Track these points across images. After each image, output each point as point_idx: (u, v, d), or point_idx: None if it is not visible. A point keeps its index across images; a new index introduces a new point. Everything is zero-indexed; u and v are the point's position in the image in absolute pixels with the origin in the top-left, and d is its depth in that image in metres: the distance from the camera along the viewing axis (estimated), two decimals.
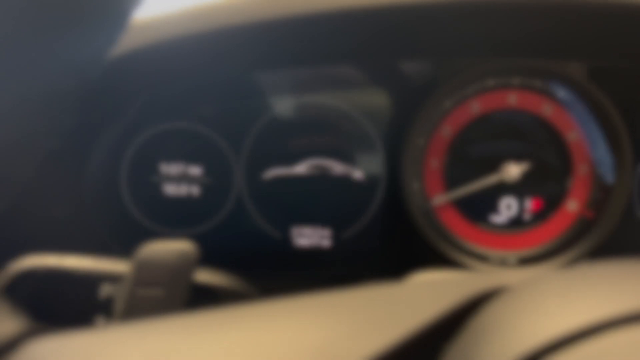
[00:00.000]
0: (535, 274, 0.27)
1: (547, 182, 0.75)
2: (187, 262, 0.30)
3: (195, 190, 0.74)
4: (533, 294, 0.24)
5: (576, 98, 0.72)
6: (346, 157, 0.76)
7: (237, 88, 0.74)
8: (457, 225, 0.77)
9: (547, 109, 0.73)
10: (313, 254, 0.77)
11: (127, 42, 0.58)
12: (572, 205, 0.75)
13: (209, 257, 0.75)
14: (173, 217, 0.74)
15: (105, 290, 0.38)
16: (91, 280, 0.40)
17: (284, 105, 0.75)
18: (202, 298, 0.41)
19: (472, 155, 0.75)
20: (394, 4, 0.63)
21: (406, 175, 0.74)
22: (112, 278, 0.38)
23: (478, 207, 0.77)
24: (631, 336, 0.21)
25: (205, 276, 0.39)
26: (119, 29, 0.22)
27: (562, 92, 0.72)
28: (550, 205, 0.75)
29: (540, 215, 0.76)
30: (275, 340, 0.24)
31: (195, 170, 0.74)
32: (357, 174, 0.76)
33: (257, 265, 0.77)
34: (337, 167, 0.76)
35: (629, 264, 0.27)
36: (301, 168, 0.75)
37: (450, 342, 0.25)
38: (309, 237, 0.76)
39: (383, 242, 0.78)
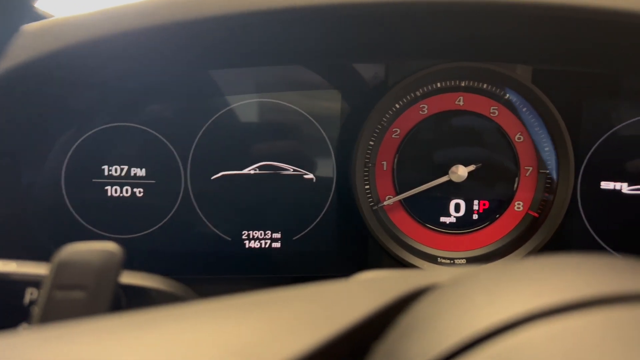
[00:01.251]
0: (465, 271, 0.27)
1: (494, 183, 0.76)
2: (111, 263, 0.29)
3: (140, 192, 0.72)
4: (459, 291, 0.24)
5: (522, 100, 0.73)
6: (297, 158, 0.75)
7: (185, 88, 0.73)
8: (407, 226, 0.77)
9: (494, 111, 0.74)
10: (264, 257, 0.76)
11: (68, 35, 0.56)
12: (519, 206, 0.76)
13: (157, 260, 0.74)
14: (118, 220, 0.72)
15: (30, 295, 0.37)
16: (17, 285, 0.38)
17: (233, 106, 0.73)
18: (136, 302, 0.39)
19: (421, 156, 0.76)
20: (345, 6, 0.63)
21: (357, 176, 0.74)
22: (38, 282, 0.37)
23: (428, 208, 0.77)
24: (554, 329, 0.20)
25: (138, 279, 0.38)
26: (19, 13, 0.21)
27: (508, 95, 0.74)
28: (498, 205, 0.77)
29: (488, 216, 0.77)
30: (196, 341, 0.23)
31: (141, 171, 0.71)
32: (308, 175, 0.76)
33: (207, 268, 0.75)
34: (288, 169, 0.75)
35: (559, 259, 0.27)
36: (251, 169, 0.74)
37: (379, 341, 0.24)
38: (260, 239, 0.75)
39: (334, 244, 0.78)
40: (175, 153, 0.72)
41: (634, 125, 0.73)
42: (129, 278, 0.39)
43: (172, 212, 0.72)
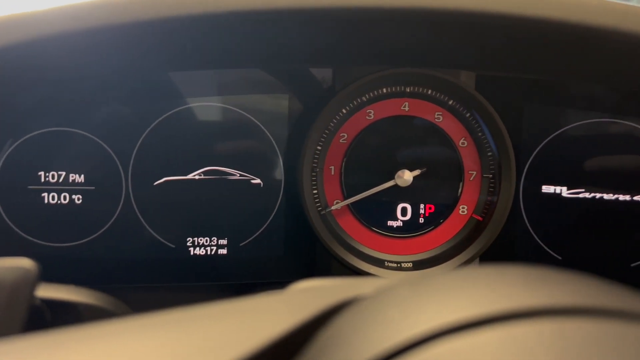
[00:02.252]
0: (389, 284, 0.27)
1: (440, 187, 0.77)
2: (24, 281, 0.28)
3: (79, 198, 0.69)
4: (375, 305, 0.24)
5: (465, 106, 0.75)
6: (244, 163, 0.74)
7: (126, 90, 0.71)
8: (355, 230, 0.77)
9: (438, 117, 0.75)
10: (210, 264, 0.74)
11: (8, 34, 0.53)
12: (463, 209, 0.77)
13: (98, 268, 0.71)
14: (56, 228, 0.69)
15: None
16: None
17: (177, 110, 0.72)
18: (62, 317, 0.38)
19: (368, 161, 0.76)
20: (294, 10, 0.62)
21: (304, 181, 0.74)
22: None
23: (375, 213, 0.78)
24: (464, 345, 0.20)
25: (64, 293, 0.36)
26: None
27: (451, 101, 0.75)
28: (443, 209, 0.78)
29: (434, 219, 0.78)
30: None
31: (80, 177, 0.69)
32: (256, 180, 0.75)
33: (151, 276, 0.74)
34: (234, 173, 0.74)
35: (482, 271, 0.27)
36: (196, 175, 0.73)
37: (297, 356, 0.24)
38: (205, 246, 0.74)
39: (282, 250, 0.77)
40: (115, 158, 0.69)
41: (573, 131, 0.75)
42: (55, 292, 0.38)
43: (112, 219, 0.70)
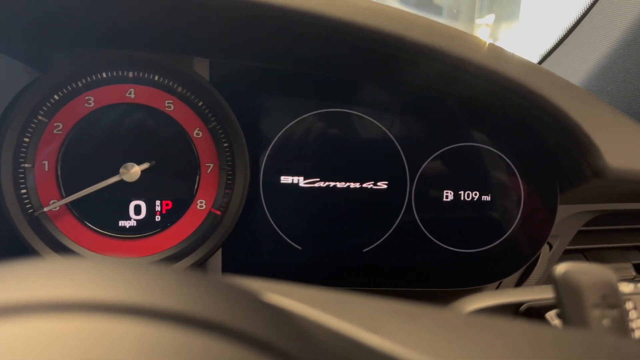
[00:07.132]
0: None
1: (175, 182, 0.72)
2: None
3: None
4: None
5: (196, 94, 0.70)
6: None
7: None
8: (78, 234, 0.68)
9: (169, 105, 0.70)
10: None
11: None
12: (201, 204, 0.73)
13: None
14: None
15: None
16: None
17: None
18: None
19: (90, 154, 0.68)
20: None
21: (3, 179, 0.62)
22: None
23: (103, 213, 0.70)
24: None
25: None
26: None
27: (181, 88, 0.70)
28: (181, 205, 0.73)
29: (172, 216, 0.72)
30: None
31: None
32: None
33: None
34: None
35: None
36: None
37: None
38: None
39: None
40: None
41: (308, 120, 0.76)
42: None
43: None
